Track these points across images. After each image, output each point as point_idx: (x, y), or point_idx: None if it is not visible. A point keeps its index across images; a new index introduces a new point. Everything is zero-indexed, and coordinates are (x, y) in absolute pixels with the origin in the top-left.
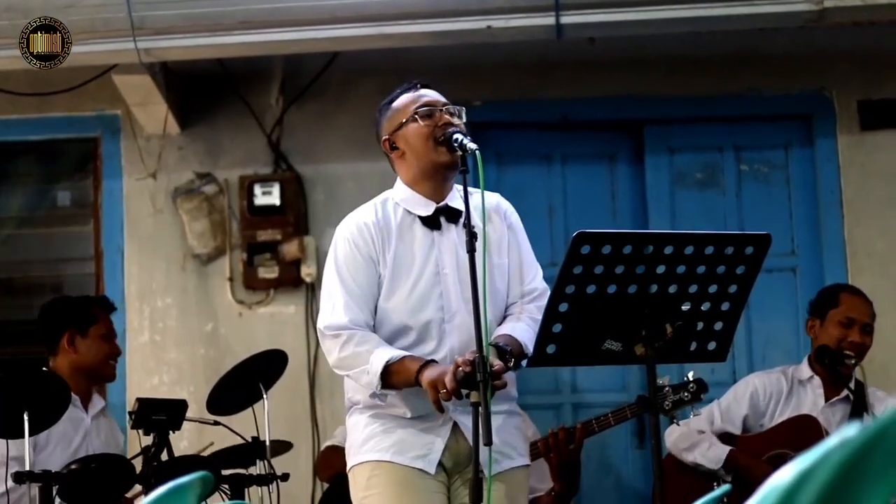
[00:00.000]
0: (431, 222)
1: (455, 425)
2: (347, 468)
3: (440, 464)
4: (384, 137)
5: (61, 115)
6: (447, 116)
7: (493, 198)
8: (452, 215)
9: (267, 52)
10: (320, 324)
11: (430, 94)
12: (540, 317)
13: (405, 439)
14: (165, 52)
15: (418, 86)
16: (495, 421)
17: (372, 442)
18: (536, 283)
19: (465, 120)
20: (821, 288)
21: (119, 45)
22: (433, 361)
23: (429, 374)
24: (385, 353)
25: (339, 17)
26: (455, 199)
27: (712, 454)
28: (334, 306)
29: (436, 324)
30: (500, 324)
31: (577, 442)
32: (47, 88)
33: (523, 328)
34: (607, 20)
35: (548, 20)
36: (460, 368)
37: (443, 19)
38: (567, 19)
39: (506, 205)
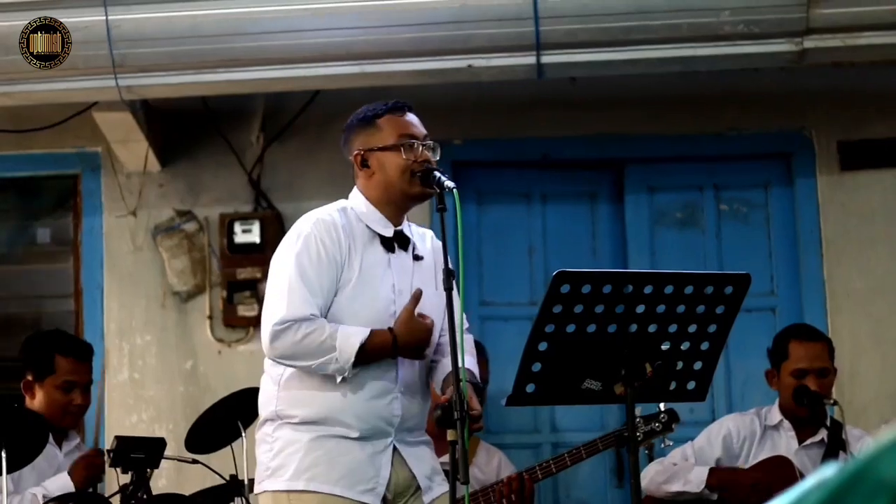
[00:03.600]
0: (388, 244)
1: (395, 451)
2: (275, 487)
3: (384, 498)
4: (357, 151)
5: (42, 151)
6: (427, 152)
7: (428, 233)
8: (404, 242)
9: (248, 90)
10: (273, 317)
11: (415, 125)
12: (474, 349)
13: (353, 469)
14: (146, 90)
15: (403, 108)
16: (420, 451)
17: (318, 469)
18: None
19: (437, 157)
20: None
21: (100, 83)
22: (393, 328)
23: (414, 344)
24: (352, 336)
25: (320, 55)
26: (406, 228)
27: (693, 478)
28: (292, 300)
29: None
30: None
31: (528, 489)
32: (28, 125)
33: (472, 361)
34: (588, 60)
35: (529, 59)
36: (437, 409)
37: (424, 58)
38: (548, 59)
39: (438, 240)
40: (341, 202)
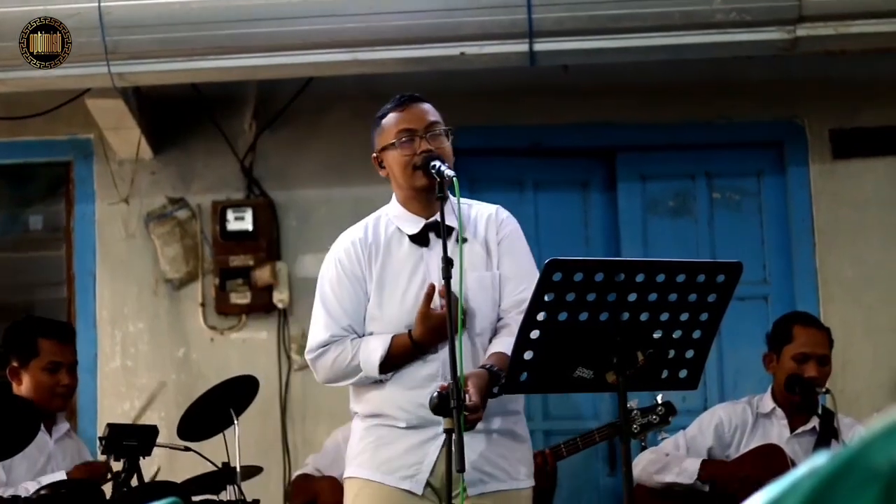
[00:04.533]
0: (420, 239)
1: (447, 434)
2: (345, 475)
3: (429, 484)
4: (374, 154)
5: (34, 139)
6: (425, 143)
7: (490, 209)
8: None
9: (240, 78)
10: (307, 353)
11: (413, 118)
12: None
13: (395, 456)
14: (139, 77)
15: (407, 102)
16: (476, 442)
17: (363, 457)
18: (528, 293)
19: (451, 140)
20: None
21: (92, 70)
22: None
23: (420, 335)
24: (373, 353)
25: (312, 42)
26: (448, 216)
27: (686, 470)
28: (315, 329)
29: None
30: (491, 334)
31: (549, 466)
32: (20, 112)
33: (510, 343)
34: (580, 48)
35: (521, 47)
36: (434, 396)
37: (416, 45)
38: (540, 46)
39: (504, 214)
40: (382, 209)
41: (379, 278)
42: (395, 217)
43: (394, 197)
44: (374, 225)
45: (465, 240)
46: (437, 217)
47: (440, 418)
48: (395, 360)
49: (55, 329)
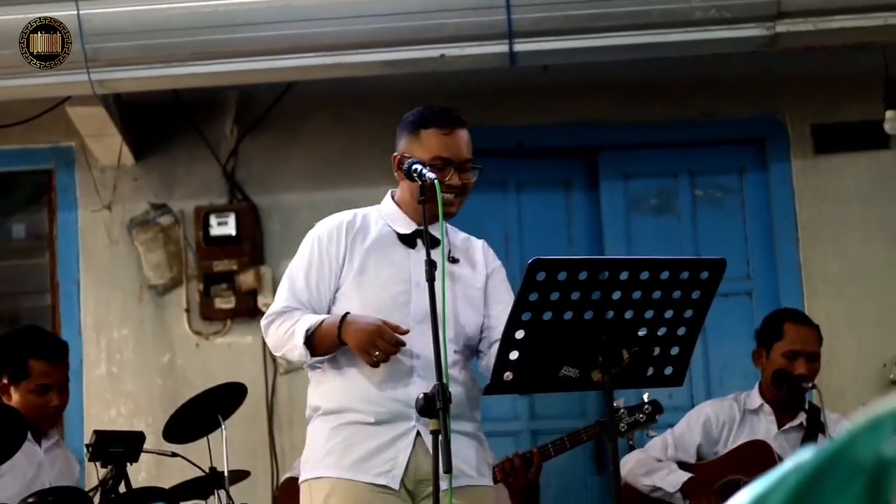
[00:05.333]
0: (408, 240)
1: (418, 436)
2: (302, 479)
3: (402, 483)
4: (396, 154)
5: (15, 147)
6: (455, 178)
7: (478, 240)
8: (431, 241)
9: (221, 83)
10: (262, 319)
11: (454, 146)
12: None
13: (367, 454)
14: (119, 84)
15: (453, 125)
16: (454, 439)
17: (332, 457)
18: None
19: (475, 179)
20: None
21: (73, 77)
22: (346, 315)
23: (355, 341)
24: (305, 323)
25: (292, 47)
26: (436, 230)
27: (671, 479)
28: (277, 297)
29: (402, 326)
30: (468, 349)
31: (535, 467)
32: (1, 121)
33: None
34: (560, 48)
35: (501, 48)
36: (420, 398)
37: (396, 48)
38: (520, 47)
39: (492, 252)
40: (371, 207)
41: (362, 262)
42: (387, 215)
43: (388, 197)
44: (365, 216)
45: (456, 260)
46: (432, 229)
47: (410, 414)
48: (320, 340)
49: (47, 349)
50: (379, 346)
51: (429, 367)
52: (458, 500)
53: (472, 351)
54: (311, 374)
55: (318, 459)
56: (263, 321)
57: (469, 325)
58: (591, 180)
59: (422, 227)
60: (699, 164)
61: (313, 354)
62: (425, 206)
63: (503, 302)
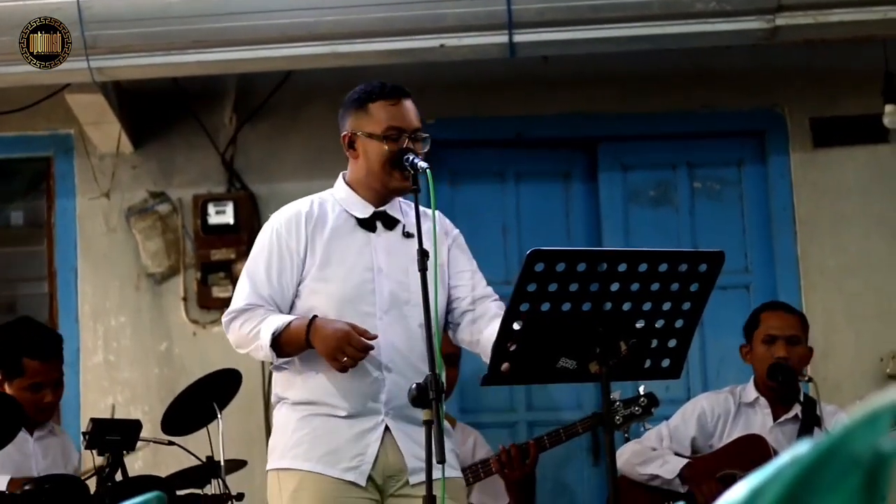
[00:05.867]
0: (367, 224)
1: (387, 430)
2: (269, 467)
3: (370, 478)
4: (345, 132)
5: (14, 134)
6: (412, 146)
7: (430, 210)
8: (389, 222)
9: (220, 71)
10: (224, 315)
11: (406, 117)
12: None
13: (337, 447)
14: (118, 71)
15: (398, 96)
16: (417, 433)
17: (301, 448)
18: (488, 289)
19: (426, 149)
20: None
21: (72, 65)
22: (314, 318)
23: (323, 346)
24: (271, 324)
25: (291, 35)
26: (394, 209)
27: (668, 466)
28: (237, 294)
29: (370, 317)
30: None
31: (531, 458)
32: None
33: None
34: (560, 38)
35: (501, 38)
36: (412, 388)
37: (396, 38)
38: (520, 37)
39: (447, 220)
40: (325, 192)
41: (324, 254)
42: (342, 200)
43: (340, 180)
44: (321, 203)
45: (409, 235)
46: (386, 209)
47: (380, 408)
48: (286, 343)
49: (40, 347)
50: (347, 352)
51: (398, 358)
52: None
53: (442, 328)
54: (275, 362)
55: (286, 449)
56: (224, 318)
57: (440, 306)
58: (590, 172)
59: (379, 209)
60: (698, 156)
61: (279, 356)
62: (417, 196)
63: (467, 270)
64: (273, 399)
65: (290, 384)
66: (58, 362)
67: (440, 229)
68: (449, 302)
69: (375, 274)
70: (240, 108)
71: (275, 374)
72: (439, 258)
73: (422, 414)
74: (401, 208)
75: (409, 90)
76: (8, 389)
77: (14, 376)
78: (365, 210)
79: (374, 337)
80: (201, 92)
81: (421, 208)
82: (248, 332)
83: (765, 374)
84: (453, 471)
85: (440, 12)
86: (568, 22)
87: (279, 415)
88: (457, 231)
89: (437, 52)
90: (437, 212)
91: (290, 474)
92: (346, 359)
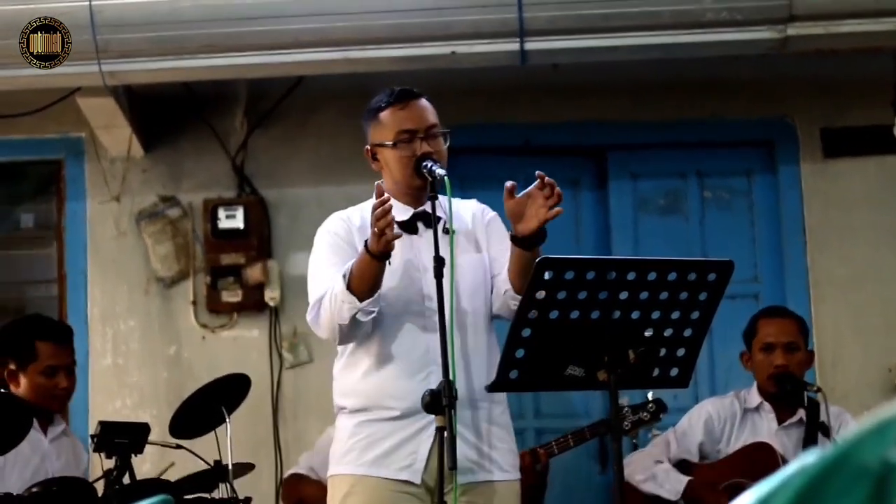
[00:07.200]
0: (409, 227)
1: (438, 430)
2: (329, 473)
3: (422, 479)
4: (367, 147)
5: (25, 137)
6: (425, 145)
7: (470, 201)
8: (429, 221)
9: (231, 76)
10: (308, 315)
11: (414, 118)
12: None
13: (390, 450)
14: (130, 76)
15: (407, 98)
16: (472, 430)
17: (354, 454)
18: None
19: (448, 143)
20: None
21: (83, 68)
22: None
23: (370, 240)
24: (338, 274)
25: (303, 41)
26: (436, 206)
27: (670, 486)
28: (312, 293)
29: (420, 316)
30: (485, 314)
31: (542, 465)
32: (11, 111)
33: None
34: (571, 47)
35: (512, 46)
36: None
37: (407, 44)
38: (531, 45)
39: (482, 205)
40: (368, 201)
41: None
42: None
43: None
44: (362, 211)
45: (451, 231)
46: (425, 207)
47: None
48: (358, 277)
49: (53, 331)
50: (378, 226)
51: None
52: (465, 497)
53: (492, 314)
54: (335, 373)
55: (341, 456)
56: (309, 316)
57: (481, 293)
58: (600, 180)
59: (418, 210)
60: (708, 165)
61: (360, 299)
62: (434, 204)
63: (504, 250)
64: (334, 409)
65: (346, 393)
66: (70, 348)
67: (476, 221)
68: (492, 279)
69: (423, 274)
70: (250, 112)
71: (334, 385)
72: (477, 238)
73: (438, 420)
74: (442, 205)
75: (420, 91)
76: (22, 380)
77: (28, 362)
78: (405, 213)
79: (387, 199)
80: (212, 96)
81: (457, 204)
82: (328, 302)
83: (766, 384)
84: (510, 473)
85: (452, 19)
86: (579, 30)
87: (339, 423)
88: (492, 215)
89: (448, 58)
90: (473, 202)
91: (343, 479)
92: (378, 230)
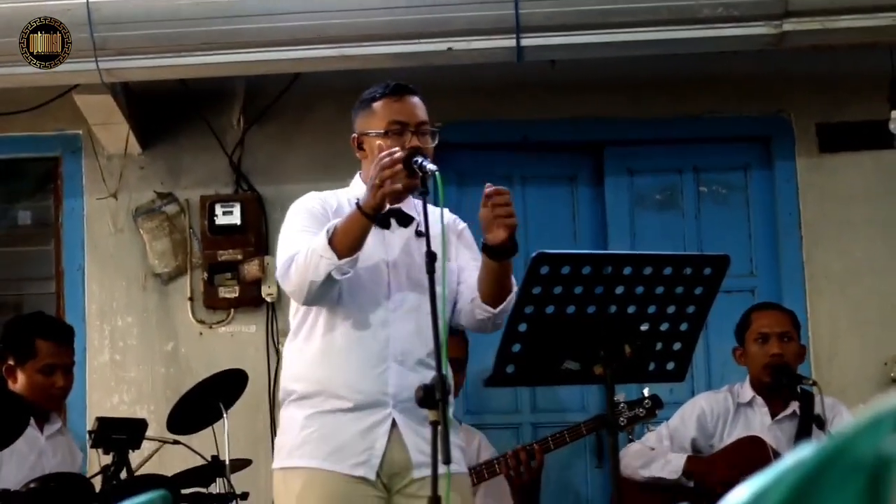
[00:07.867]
0: (382, 221)
1: (394, 425)
2: (275, 465)
3: (378, 474)
4: (354, 134)
5: (22, 134)
6: (416, 140)
7: (445, 212)
8: (403, 219)
9: (228, 73)
10: (277, 274)
11: (408, 111)
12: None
13: (344, 444)
14: (127, 73)
15: (400, 92)
16: (425, 429)
17: (308, 447)
18: None
19: (436, 141)
20: None
21: (81, 66)
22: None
23: (369, 191)
24: (322, 231)
25: (300, 38)
26: (409, 207)
27: (670, 466)
28: (283, 253)
29: (382, 307)
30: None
31: (537, 462)
32: (8, 108)
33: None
34: (568, 43)
35: (509, 42)
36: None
37: (404, 41)
38: (528, 42)
39: (454, 216)
40: (340, 190)
41: None
42: (357, 196)
43: (358, 178)
44: (338, 197)
45: (421, 234)
46: (401, 206)
47: (387, 400)
48: (343, 232)
49: (54, 330)
50: (384, 175)
51: (405, 354)
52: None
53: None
54: (285, 355)
55: (292, 448)
56: (279, 273)
57: (449, 299)
58: (597, 175)
59: (393, 207)
60: (704, 160)
61: (340, 256)
62: (425, 199)
63: (471, 262)
64: (281, 396)
65: (296, 377)
66: (70, 348)
67: (448, 229)
68: (457, 286)
69: (390, 268)
70: (248, 109)
71: (283, 369)
72: (449, 254)
73: (432, 415)
74: (415, 206)
75: (414, 87)
76: (20, 376)
77: (26, 359)
78: None
79: (397, 148)
80: (209, 93)
81: (431, 208)
82: (304, 258)
83: (761, 374)
84: (458, 466)
85: (448, 16)
86: (576, 26)
87: (286, 414)
88: (463, 225)
89: (445, 55)
90: (446, 210)
91: (297, 473)
92: (380, 180)
